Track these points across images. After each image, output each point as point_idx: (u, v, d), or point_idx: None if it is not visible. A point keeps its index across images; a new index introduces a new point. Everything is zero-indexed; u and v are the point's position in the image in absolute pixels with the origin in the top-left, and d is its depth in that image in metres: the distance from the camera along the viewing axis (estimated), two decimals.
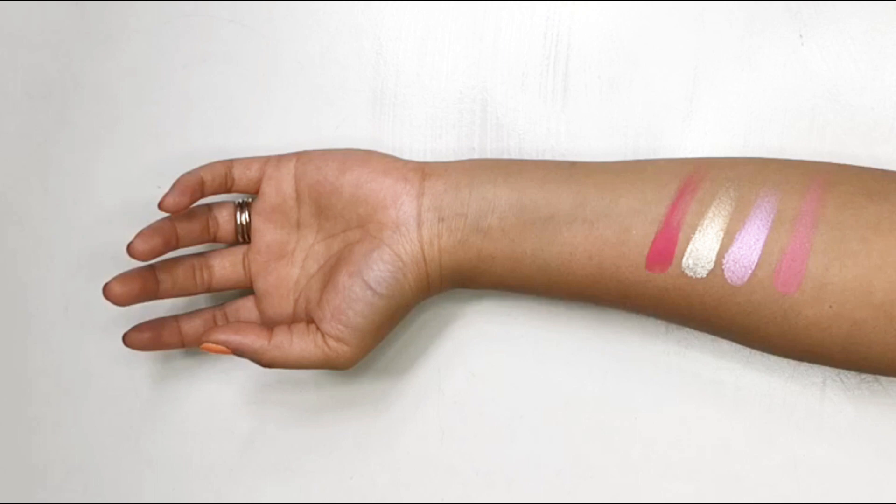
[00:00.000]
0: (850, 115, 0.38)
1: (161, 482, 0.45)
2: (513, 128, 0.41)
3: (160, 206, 0.37)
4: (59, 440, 0.45)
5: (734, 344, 0.38)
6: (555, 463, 0.41)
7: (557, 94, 0.41)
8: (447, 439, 0.42)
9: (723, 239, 0.34)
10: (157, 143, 0.44)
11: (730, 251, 0.33)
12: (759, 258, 0.33)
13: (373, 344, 0.38)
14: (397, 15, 0.42)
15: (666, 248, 0.34)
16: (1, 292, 0.46)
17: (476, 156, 0.42)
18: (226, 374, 0.44)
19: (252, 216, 0.40)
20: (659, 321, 0.40)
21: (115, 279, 0.38)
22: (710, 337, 0.40)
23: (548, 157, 0.41)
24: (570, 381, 0.41)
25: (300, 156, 0.39)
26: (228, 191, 0.39)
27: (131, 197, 0.44)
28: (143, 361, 0.45)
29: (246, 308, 0.41)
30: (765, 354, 0.39)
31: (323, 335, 0.37)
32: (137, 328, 0.40)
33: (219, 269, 0.40)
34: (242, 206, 0.40)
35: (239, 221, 0.40)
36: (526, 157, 0.41)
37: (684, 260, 0.34)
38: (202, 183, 0.38)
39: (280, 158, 0.39)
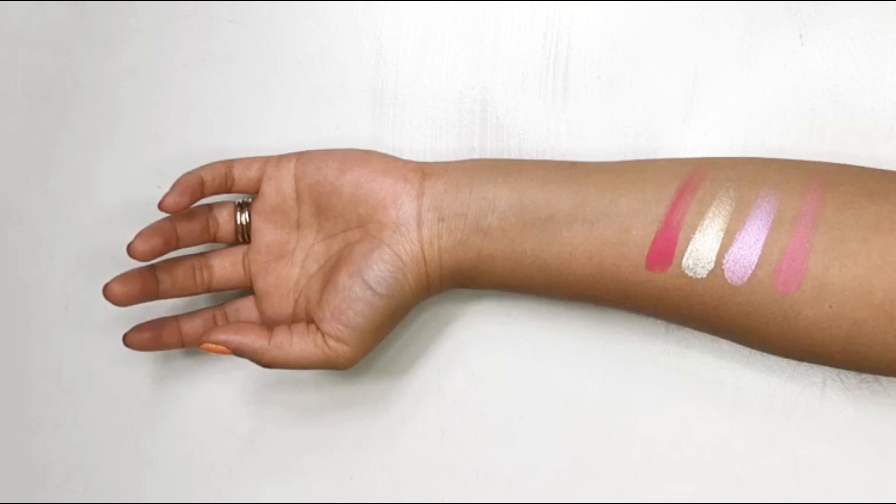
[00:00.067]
0: (850, 115, 0.38)
1: (161, 482, 0.45)
2: (513, 128, 0.41)
3: (160, 206, 0.37)
4: (59, 440, 0.45)
5: (734, 344, 0.38)
6: (555, 463, 0.41)
7: (557, 94, 0.41)
8: (447, 439, 0.42)
9: (723, 239, 0.34)
10: (157, 143, 0.44)
11: (730, 251, 0.33)
12: (759, 258, 0.33)
13: (373, 344, 0.38)
14: (397, 15, 0.42)
15: (666, 248, 0.34)
16: (1, 292, 0.46)
17: (476, 156, 0.42)
18: (226, 374, 0.44)
19: (252, 216, 0.40)
20: (659, 321, 0.40)
21: (115, 279, 0.38)
22: (710, 337, 0.40)
23: (548, 157, 0.41)
24: (570, 381, 0.41)
25: (300, 156, 0.39)
26: (228, 191, 0.39)
27: (131, 197, 0.44)
28: (143, 361, 0.45)
29: (246, 308, 0.41)
30: (765, 354, 0.39)
31: (323, 335, 0.37)
32: (137, 328, 0.40)
33: (219, 270, 0.40)
34: (242, 206, 0.40)
35: (239, 221, 0.40)
36: (526, 157, 0.41)
37: (684, 260, 0.34)
38: (202, 183, 0.38)
39: (280, 158, 0.39)
